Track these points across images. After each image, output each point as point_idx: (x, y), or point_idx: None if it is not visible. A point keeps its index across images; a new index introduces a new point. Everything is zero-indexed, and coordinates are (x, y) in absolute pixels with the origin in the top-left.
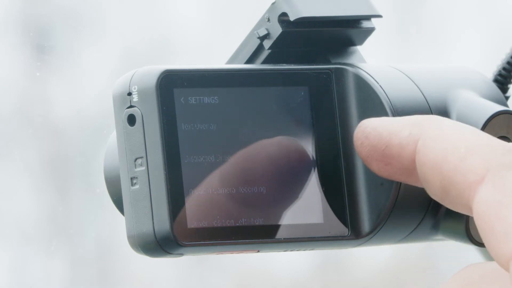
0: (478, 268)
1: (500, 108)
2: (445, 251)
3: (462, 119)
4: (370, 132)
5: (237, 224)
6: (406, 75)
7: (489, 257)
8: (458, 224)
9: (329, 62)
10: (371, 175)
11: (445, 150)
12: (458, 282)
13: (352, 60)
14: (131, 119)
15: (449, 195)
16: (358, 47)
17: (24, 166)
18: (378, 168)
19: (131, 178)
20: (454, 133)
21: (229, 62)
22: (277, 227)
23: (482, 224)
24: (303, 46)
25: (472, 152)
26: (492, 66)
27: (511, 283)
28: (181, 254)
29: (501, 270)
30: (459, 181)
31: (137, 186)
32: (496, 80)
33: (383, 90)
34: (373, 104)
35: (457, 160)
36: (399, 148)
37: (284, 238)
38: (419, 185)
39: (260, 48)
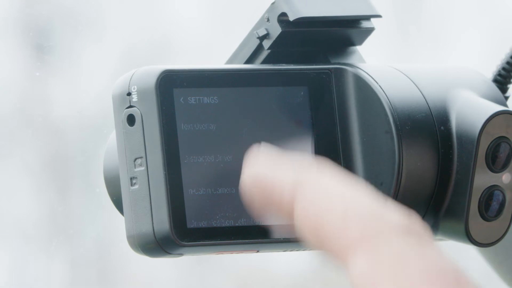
0: None
1: (500, 108)
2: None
3: (462, 119)
4: (255, 176)
5: (237, 224)
6: (406, 75)
7: (489, 258)
8: (458, 224)
9: (328, 62)
10: (370, 175)
11: (321, 213)
12: None
13: (352, 60)
14: (131, 119)
15: (326, 253)
16: (358, 47)
17: (24, 166)
18: (259, 204)
19: (131, 178)
20: (334, 194)
21: (229, 62)
22: (277, 227)
23: None
24: (302, 46)
25: (349, 217)
26: (492, 66)
27: None
28: (181, 254)
29: None
30: (334, 245)
31: (136, 186)
32: (495, 80)
33: (383, 90)
34: (372, 104)
35: (333, 224)
36: (279, 203)
37: (283, 238)
38: None
39: (259, 48)
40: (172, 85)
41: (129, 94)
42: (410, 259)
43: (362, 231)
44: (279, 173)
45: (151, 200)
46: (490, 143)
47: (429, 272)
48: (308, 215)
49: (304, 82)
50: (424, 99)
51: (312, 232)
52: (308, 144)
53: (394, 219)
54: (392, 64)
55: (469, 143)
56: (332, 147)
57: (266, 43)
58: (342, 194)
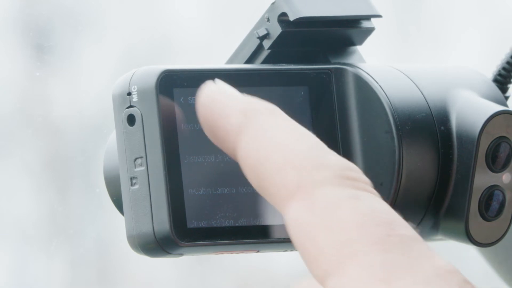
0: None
1: (500, 108)
2: (445, 251)
3: (462, 119)
4: (208, 102)
5: (237, 224)
6: (406, 75)
7: (489, 258)
8: (458, 224)
9: (329, 62)
10: (370, 175)
11: (262, 156)
12: None
13: (352, 60)
14: (131, 119)
15: (265, 197)
16: (358, 47)
17: (24, 166)
18: (209, 137)
19: (131, 178)
20: (277, 138)
21: (229, 62)
22: (277, 227)
23: (295, 242)
24: (302, 46)
25: (288, 164)
26: (492, 66)
27: None
28: (181, 254)
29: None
30: (272, 193)
31: (136, 186)
32: (496, 80)
33: (383, 90)
34: (372, 104)
35: (272, 170)
36: (224, 134)
37: (284, 238)
38: None
39: (259, 48)
40: (172, 85)
41: (129, 94)
42: (344, 206)
43: (298, 180)
44: (233, 100)
45: (151, 200)
46: (490, 143)
47: (362, 218)
48: (249, 160)
49: (304, 82)
50: (424, 99)
51: (252, 172)
52: None
53: (332, 167)
54: (392, 64)
55: (469, 143)
56: (332, 147)
57: (266, 43)
58: (283, 141)
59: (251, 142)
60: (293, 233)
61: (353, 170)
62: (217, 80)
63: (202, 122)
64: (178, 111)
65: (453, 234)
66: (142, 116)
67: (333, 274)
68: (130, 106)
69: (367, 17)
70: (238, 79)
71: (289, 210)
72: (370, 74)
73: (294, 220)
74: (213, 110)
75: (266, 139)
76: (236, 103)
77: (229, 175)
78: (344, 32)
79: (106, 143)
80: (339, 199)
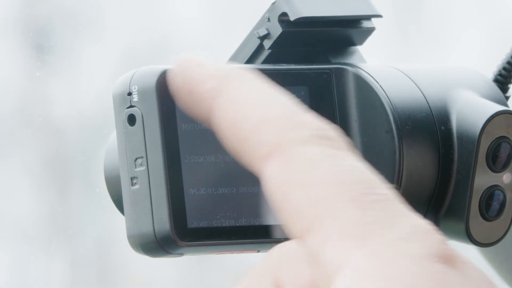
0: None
1: (500, 108)
2: None
3: (462, 119)
4: (182, 70)
5: (237, 224)
6: (406, 75)
7: (489, 258)
8: (458, 224)
9: (329, 62)
10: None
11: (239, 117)
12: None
13: (352, 60)
14: (131, 119)
15: (242, 160)
16: (358, 47)
17: (24, 166)
18: (184, 107)
19: (131, 178)
20: (253, 99)
21: (229, 62)
22: (277, 227)
23: (274, 201)
24: (303, 46)
25: (264, 124)
26: (492, 66)
27: (304, 256)
28: (181, 254)
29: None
30: (249, 153)
31: (137, 186)
32: (496, 80)
33: (383, 90)
34: (373, 104)
35: (248, 130)
36: (199, 99)
37: (284, 238)
38: None
39: (260, 48)
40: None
41: (129, 94)
42: (321, 164)
43: (275, 139)
44: (207, 67)
45: (152, 200)
46: (490, 143)
47: (340, 176)
48: (226, 115)
49: (305, 82)
50: (424, 99)
51: (229, 133)
52: None
53: (309, 126)
54: (392, 64)
55: (469, 143)
56: None
57: (267, 43)
58: (260, 101)
59: (226, 104)
60: (271, 191)
61: (331, 130)
62: (190, 51)
63: (178, 91)
64: (179, 111)
65: (453, 234)
66: (142, 116)
67: (311, 231)
68: (131, 106)
69: (368, 17)
70: None
71: (266, 169)
72: (370, 74)
73: (271, 179)
74: (188, 77)
75: (241, 100)
76: (211, 70)
77: (230, 175)
78: (344, 32)
79: (106, 143)
80: (317, 157)
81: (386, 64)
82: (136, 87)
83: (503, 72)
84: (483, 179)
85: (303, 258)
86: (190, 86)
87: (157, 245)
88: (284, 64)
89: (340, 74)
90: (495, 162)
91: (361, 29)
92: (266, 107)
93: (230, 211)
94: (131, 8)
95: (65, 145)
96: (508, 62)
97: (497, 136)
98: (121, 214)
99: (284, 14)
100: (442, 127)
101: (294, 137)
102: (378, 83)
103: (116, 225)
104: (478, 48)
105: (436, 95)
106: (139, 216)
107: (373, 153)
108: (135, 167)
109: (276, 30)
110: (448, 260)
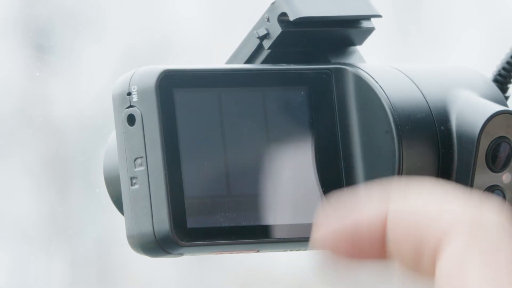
0: None
1: (500, 108)
2: None
3: (462, 119)
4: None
5: (237, 224)
6: (406, 75)
7: None
8: None
9: (329, 62)
10: (371, 176)
11: (414, 214)
12: None
13: (352, 60)
14: (131, 119)
15: (422, 259)
16: (358, 47)
17: (24, 166)
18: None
19: (131, 178)
20: (424, 199)
21: (229, 62)
22: (277, 227)
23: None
24: (302, 46)
25: (443, 211)
26: (492, 66)
27: None
28: (181, 254)
29: None
30: (431, 240)
31: (136, 186)
32: (496, 80)
33: (383, 90)
34: (373, 104)
35: (426, 221)
36: (368, 226)
37: (283, 238)
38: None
39: (259, 48)
40: (172, 85)
41: (129, 94)
42: (501, 248)
43: (457, 219)
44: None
45: (151, 200)
46: (490, 143)
47: None
48: (403, 216)
49: (304, 82)
50: (424, 99)
51: (408, 232)
52: (308, 144)
53: (488, 210)
54: (392, 64)
55: (469, 143)
56: (332, 147)
57: (266, 43)
58: (433, 195)
59: (400, 213)
60: (445, 271)
61: (506, 214)
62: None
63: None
64: (178, 111)
65: None
66: (142, 116)
67: None
68: (130, 106)
69: (367, 17)
70: (238, 79)
71: (445, 247)
72: (370, 74)
73: (452, 255)
74: (345, 226)
75: (415, 200)
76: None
77: (229, 175)
78: (344, 32)
79: (106, 143)
80: (497, 240)
81: (386, 64)
82: (135, 87)
83: (502, 72)
84: (482, 179)
85: None
86: (353, 225)
87: (156, 245)
88: (283, 64)
89: (340, 74)
90: (494, 162)
91: (360, 29)
92: (442, 198)
93: (229, 211)
94: (131, 8)
95: (65, 145)
96: (508, 62)
97: (497, 136)
98: (121, 214)
99: (283, 14)
100: (442, 127)
101: (475, 219)
102: (377, 83)
103: (116, 225)
104: (478, 48)
105: (435, 95)
106: (138, 216)
107: (373, 153)
108: (135, 167)
109: (276, 30)
110: None
